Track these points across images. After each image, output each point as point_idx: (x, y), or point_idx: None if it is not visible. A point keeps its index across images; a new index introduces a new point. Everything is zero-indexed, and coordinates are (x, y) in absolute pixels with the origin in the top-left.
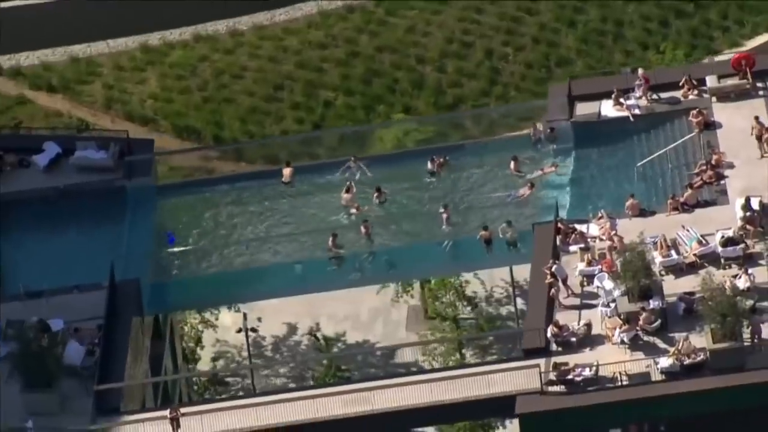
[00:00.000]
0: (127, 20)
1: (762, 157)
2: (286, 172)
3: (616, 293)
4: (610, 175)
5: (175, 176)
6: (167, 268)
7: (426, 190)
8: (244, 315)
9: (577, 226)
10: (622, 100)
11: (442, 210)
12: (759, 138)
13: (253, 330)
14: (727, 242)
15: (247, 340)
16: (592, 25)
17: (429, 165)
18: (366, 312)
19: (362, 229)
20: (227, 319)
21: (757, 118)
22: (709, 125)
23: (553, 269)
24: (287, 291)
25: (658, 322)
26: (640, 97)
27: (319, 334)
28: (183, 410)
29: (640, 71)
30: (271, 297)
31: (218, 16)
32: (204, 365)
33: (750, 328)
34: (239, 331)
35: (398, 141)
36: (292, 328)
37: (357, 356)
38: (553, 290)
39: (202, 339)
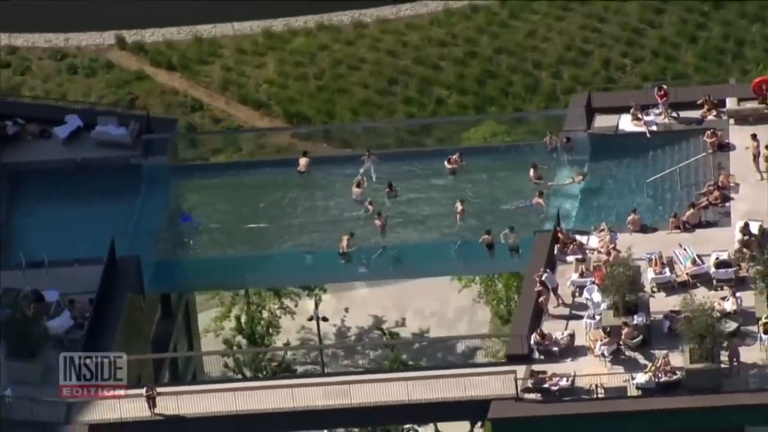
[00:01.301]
0: (255, 5)
1: (761, 179)
2: (303, 161)
3: (603, 306)
4: (621, 189)
5: (263, 154)
6: (174, 248)
7: (440, 189)
8: (315, 303)
9: (578, 237)
10: (640, 115)
11: (458, 204)
12: (755, 158)
13: (324, 319)
14: (721, 264)
15: (318, 329)
16: (713, 42)
17: (446, 164)
18: (452, 310)
19: (377, 222)
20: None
21: (754, 136)
22: (723, 147)
23: (543, 278)
24: (294, 279)
25: (640, 338)
26: (659, 114)
27: (385, 329)
28: (160, 389)
29: (664, 87)
30: (278, 284)
31: (344, 7)
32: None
33: (729, 351)
34: (310, 319)
35: (485, 141)
36: (378, 321)
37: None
38: (542, 298)
39: (279, 324)
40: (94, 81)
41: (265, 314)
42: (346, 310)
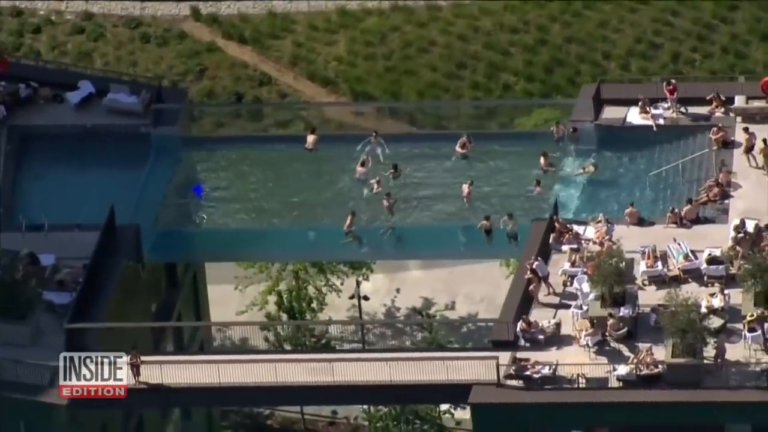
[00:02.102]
0: None
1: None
2: (310, 139)
3: (591, 296)
4: (624, 181)
5: (327, 128)
6: (177, 218)
7: (448, 172)
8: (357, 282)
9: (575, 227)
10: (648, 108)
11: (465, 187)
12: (749, 150)
13: (365, 298)
14: (712, 261)
15: (360, 307)
16: None
17: (458, 148)
18: (503, 295)
19: (384, 203)
20: (366, 285)
21: (746, 129)
22: (728, 144)
23: (534, 265)
24: (296, 255)
25: (625, 330)
26: (668, 108)
27: (423, 312)
28: (144, 358)
29: (673, 81)
30: (279, 259)
31: None
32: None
33: (716, 347)
34: (351, 297)
35: (535, 127)
36: (428, 303)
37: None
38: (532, 286)
39: (324, 301)
40: (166, 51)
41: (311, 291)
42: (398, 290)
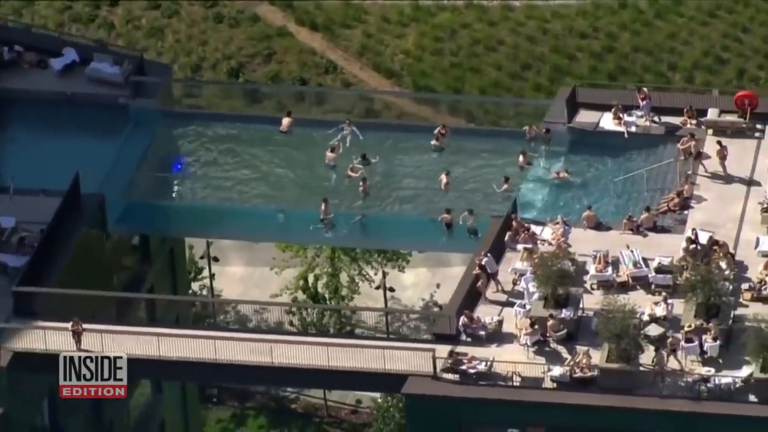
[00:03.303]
0: None
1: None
2: (285, 121)
3: (535, 296)
4: (590, 185)
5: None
6: (148, 191)
7: (421, 164)
8: (384, 273)
9: (533, 227)
10: (621, 115)
11: (443, 176)
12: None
13: (391, 289)
14: (661, 269)
15: (385, 297)
16: None
17: (433, 141)
18: None
19: (360, 186)
20: (409, 278)
21: (719, 142)
22: (697, 156)
23: (483, 262)
24: (264, 236)
25: (565, 331)
26: (642, 116)
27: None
28: (86, 326)
29: (645, 90)
30: (246, 239)
31: None
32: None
33: (656, 356)
34: (377, 287)
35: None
36: None
37: None
38: (480, 282)
39: (357, 290)
40: (237, 32)
41: (344, 279)
42: (438, 285)
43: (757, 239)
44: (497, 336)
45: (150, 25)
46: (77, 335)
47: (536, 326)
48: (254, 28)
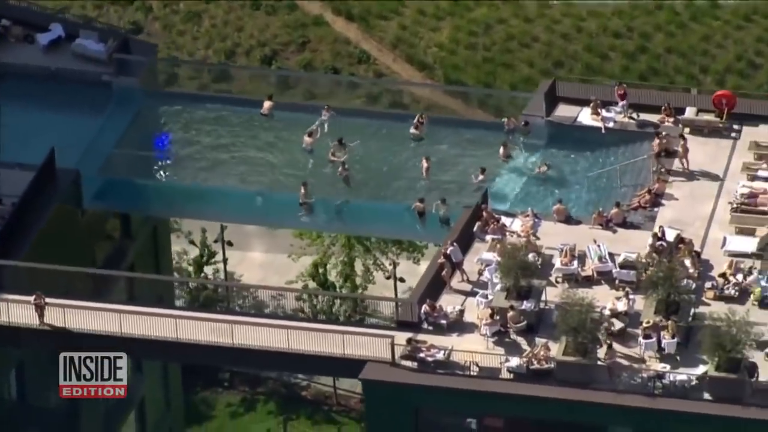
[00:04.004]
0: None
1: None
2: (266, 105)
3: (498, 287)
4: (565, 179)
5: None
6: (126, 168)
7: (399, 152)
8: (394, 264)
9: (503, 218)
10: (599, 110)
11: (424, 162)
12: (684, 154)
13: (401, 280)
14: (625, 265)
15: (396, 289)
16: None
17: (412, 129)
18: None
19: (340, 171)
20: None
21: (682, 135)
22: (671, 153)
23: (448, 251)
24: (242, 218)
25: (524, 323)
26: (620, 112)
27: None
28: (49, 300)
29: (624, 86)
30: (224, 220)
31: None
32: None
33: (608, 350)
34: (388, 277)
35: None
36: None
37: None
38: (444, 271)
39: (372, 279)
40: (273, 19)
41: (359, 267)
42: None
43: (724, 238)
44: (458, 325)
45: (187, 9)
46: (40, 309)
47: (496, 317)
48: (290, 16)
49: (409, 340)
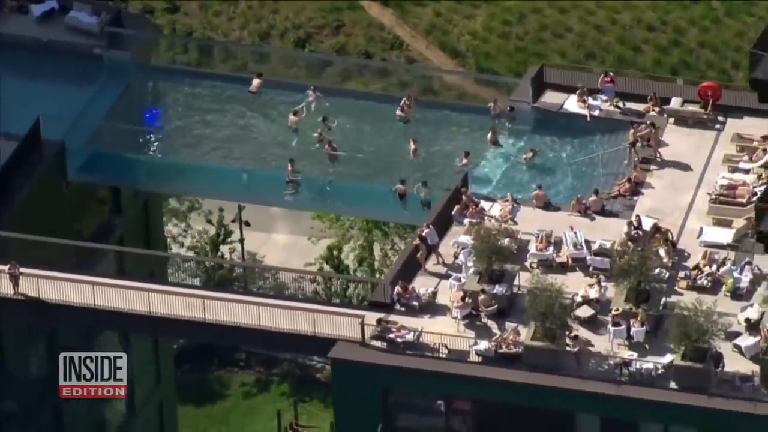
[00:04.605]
0: None
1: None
2: (255, 82)
3: (471, 270)
4: (549, 165)
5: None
6: (114, 141)
7: (383, 133)
8: None
9: (483, 202)
10: (585, 98)
11: (411, 143)
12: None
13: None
14: (600, 252)
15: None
16: None
17: (398, 111)
18: None
19: (327, 148)
20: None
21: (652, 124)
22: (653, 143)
23: (423, 233)
24: (227, 195)
25: (495, 307)
26: (606, 100)
27: None
28: (27, 270)
29: (610, 74)
30: (209, 196)
31: None
32: None
33: (575, 337)
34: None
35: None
36: None
37: None
38: (420, 253)
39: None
40: (309, 2)
41: (377, 252)
42: None
43: (701, 229)
44: (431, 307)
45: None
46: (14, 278)
47: (468, 300)
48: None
49: (379, 321)
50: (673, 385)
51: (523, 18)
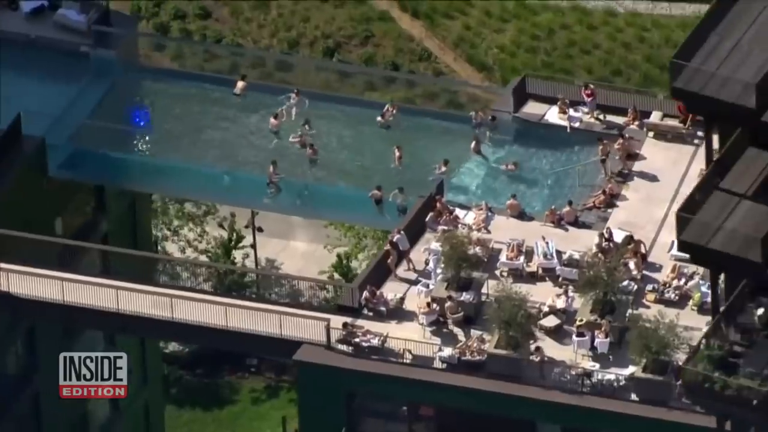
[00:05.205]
0: None
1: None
2: (240, 84)
3: (440, 277)
4: (527, 176)
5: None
6: (97, 139)
7: (364, 139)
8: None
9: (457, 210)
10: (566, 109)
11: (396, 150)
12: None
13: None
14: (569, 263)
15: None
16: None
17: (379, 118)
18: None
19: (308, 151)
20: None
21: (622, 135)
22: (632, 156)
23: (394, 239)
24: (209, 196)
25: (462, 314)
26: (587, 112)
27: None
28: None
29: (591, 86)
30: (191, 198)
31: None
32: None
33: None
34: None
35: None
36: None
37: None
38: (390, 259)
39: None
40: (340, 12)
41: None
42: None
43: (672, 243)
44: (399, 313)
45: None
46: None
47: (435, 306)
48: (357, 10)
49: (344, 325)
50: (634, 396)
51: (551, 33)
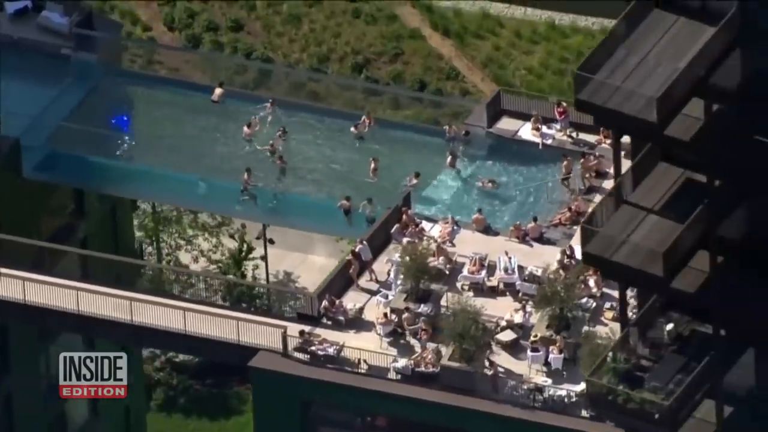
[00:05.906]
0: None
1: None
2: (217, 92)
3: (399, 288)
4: (498, 191)
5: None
6: (74, 142)
7: (337, 149)
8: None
9: (424, 222)
10: (539, 126)
11: (372, 162)
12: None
13: None
14: (529, 278)
15: None
16: None
17: (352, 129)
18: None
19: (277, 162)
20: None
21: (584, 153)
22: (601, 174)
23: (357, 249)
24: (184, 203)
25: (419, 325)
26: (560, 130)
27: None
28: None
29: (564, 104)
30: (167, 203)
31: None
32: None
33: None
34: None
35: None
36: None
37: None
38: (352, 269)
39: None
40: (371, 29)
41: None
42: None
43: None
44: (357, 323)
45: (289, 12)
46: None
47: (392, 317)
48: (388, 27)
49: (301, 333)
50: (584, 413)
51: (580, 56)
